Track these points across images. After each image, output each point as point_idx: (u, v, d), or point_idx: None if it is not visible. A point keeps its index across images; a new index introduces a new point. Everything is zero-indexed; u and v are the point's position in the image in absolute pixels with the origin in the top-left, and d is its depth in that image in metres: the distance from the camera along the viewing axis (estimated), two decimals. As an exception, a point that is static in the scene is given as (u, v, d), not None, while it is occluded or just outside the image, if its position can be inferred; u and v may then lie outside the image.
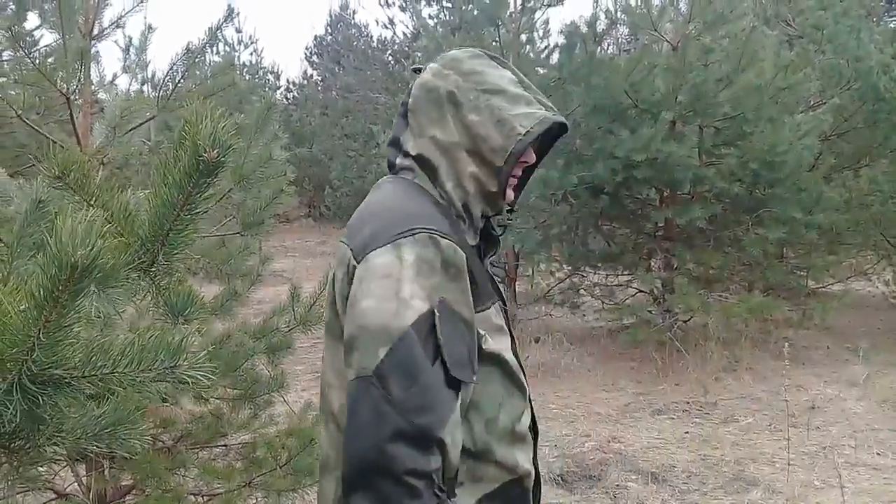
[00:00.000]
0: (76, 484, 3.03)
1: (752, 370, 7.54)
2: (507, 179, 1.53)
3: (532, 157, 1.57)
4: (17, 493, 2.25)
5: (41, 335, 1.05)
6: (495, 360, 1.44)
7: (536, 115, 1.50)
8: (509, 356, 1.47)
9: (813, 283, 9.46)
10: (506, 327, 1.51)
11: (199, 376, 1.15)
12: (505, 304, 1.55)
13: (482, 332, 1.41)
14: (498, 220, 1.66)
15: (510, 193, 1.56)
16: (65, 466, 2.93)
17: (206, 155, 1.30)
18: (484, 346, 1.41)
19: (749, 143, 7.75)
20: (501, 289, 1.59)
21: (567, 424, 6.26)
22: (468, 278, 1.39)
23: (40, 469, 1.80)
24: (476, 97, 1.51)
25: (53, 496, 2.83)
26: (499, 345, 1.45)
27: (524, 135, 1.47)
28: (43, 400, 1.11)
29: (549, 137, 1.65)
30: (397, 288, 1.32)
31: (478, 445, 1.41)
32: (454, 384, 1.32)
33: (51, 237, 1.00)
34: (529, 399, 1.54)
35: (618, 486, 4.92)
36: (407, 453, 1.24)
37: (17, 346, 1.06)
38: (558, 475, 5.05)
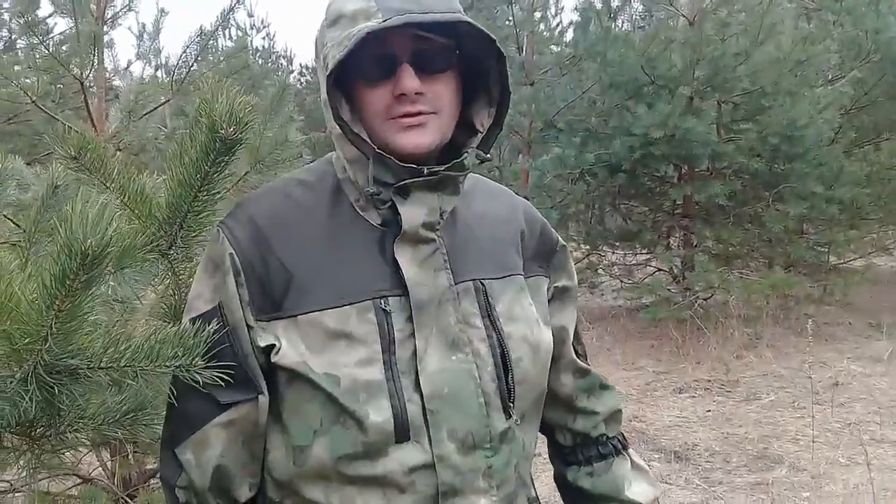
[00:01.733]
0: (100, 469, 3.05)
1: (774, 347, 7.48)
2: (367, 126, 1.14)
3: (407, 84, 1.10)
4: (43, 479, 2.25)
5: (54, 325, 1.03)
6: (300, 377, 1.11)
7: (350, 35, 1.08)
8: (346, 374, 1.09)
9: (834, 258, 9.36)
10: (373, 335, 1.11)
11: (215, 375, 1.10)
12: (410, 302, 1.14)
13: (279, 340, 1.12)
14: (476, 154, 1.19)
15: (403, 138, 1.12)
16: (89, 452, 2.94)
17: (223, 132, 1.28)
18: (274, 359, 1.12)
19: (768, 117, 7.64)
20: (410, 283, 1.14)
21: (587, 404, 6.23)
22: (243, 277, 1.13)
23: (65, 455, 1.79)
24: (322, 37, 1.16)
25: (79, 481, 2.84)
26: (318, 358, 1.10)
27: (330, 69, 1.09)
28: (59, 390, 1.10)
29: (475, 43, 1.15)
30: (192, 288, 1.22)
31: (284, 476, 1.17)
32: (211, 399, 1.14)
33: (62, 224, 0.97)
34: (430, 443, 1.11)
35: (640, 465, 4.90)
36: (162, 459, 1.22)
37: (31, 336, 1.04)
38: (580, 455, 5.03)
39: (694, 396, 6.41)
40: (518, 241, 1.30)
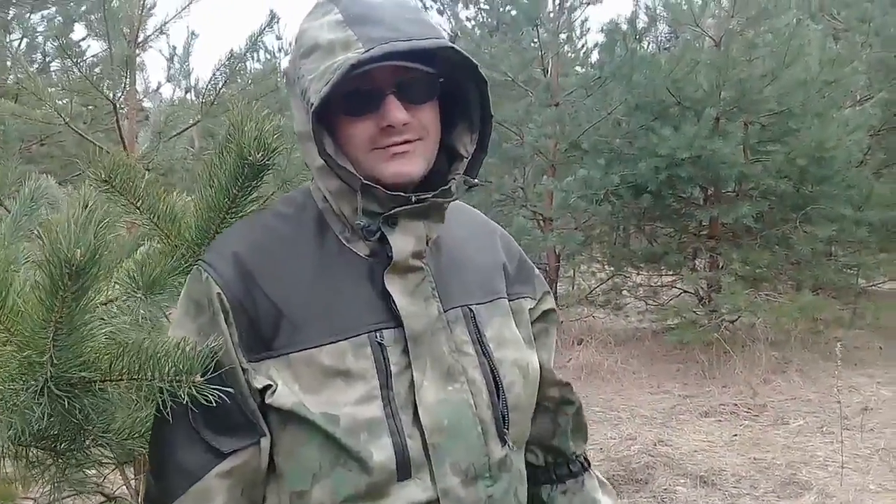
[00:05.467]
0: (125, 487, 3.07)
1: (802, 371, 7.37)
2: (350, 156, 1.10)
3: (395, 116, 1.07)
4: (67, 497, 2.27)
5: (54, 337, 1.02)
6: (296, 418, 1.06)
7: (332, 68, 1.04)
8: (346, 413, 1.05)
9: (864, 281, 9.24)
10: (370, 371, 1.07)
11: (208, 394, 1.05)
12: (405, 333, 1.10)
13: (274, 380, 1.07)
14: (464, 180, 1.17)
15: (391, 167, 1.09)
16: (114, 469, 2.96)
17: (251, 158, 1.29)
18: (268, 400, 1.07)
19: (796, 138, 7.60)
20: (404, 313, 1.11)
21: (612, 427, 6.18)
22: (232, 317, 1.08)
23: (89, 472, 1.81)
24: (296, 69, 1.12)
25: (103, 499, 2.86)
26: (314, 398, 1.06)
27: (315, 106, 1.05)
28: (69, 403, 1.08)
29: (454, 69, 1.13)
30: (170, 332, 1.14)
31: None
32: (209, 448, 1.08)
33: (45, 233, 0.97)
34: (432, 478, 1.08)
35: (665, 490, 4.83)
36: None
37: (32, 349, 1.04)
38: (604, 479, 4.97)
39: (720, 420, 6.32)
40: (500, 266, 1.29)
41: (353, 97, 1.08)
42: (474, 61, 1.11)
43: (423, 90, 1.11)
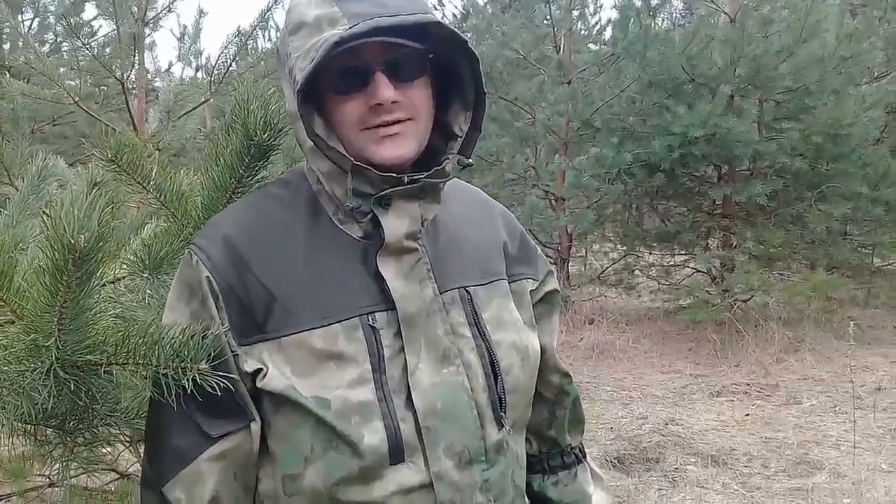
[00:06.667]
0: (138, 465, 3.09)
1: (815, 351, 7.34)
2: (341, 136, 1.09)
3: (383, 94, 1.05)
4: (80, 475, 2.29)
5: (59, 321, 1.02)
6: (288, 402, 1.06)
7: (317, 45, 1.02)
8: (337, 396, 1.05)
9: (879, 260, 9.17)
10: (362, 354, 1.06)
11: (214, 383, 1.04)
12: (398, 316, 1.09)
13: (265, 364, 1.06)
14: (458, 160, 1.15)
15: (382, 150, 1.07)
16: (127, 448, 2.99)
17: (257, 138, 1.28)
18: (259, 384, 1.06)
19: (811, 116, 7.52)
20: (388, 295, 1.09)
21: (623, 406, 6.18)
22: (222, 300, 1.07)
23: (102, 450, 1.82)
24: (284, 46, 1.10)
25: (116, 476, 2.89)
26: (306, 381, 1.05)
27: (300, 84, 1.03)
28: (76, 385, 1.08)
29: (447, 47, 1.11)
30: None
31: None
32: (200, 431, 1.08)
33: (48, 218, 0.95)
34: (426, 461, 1.08)
35: (676, 468, 4.83)
36: (145, 501, 1.13)
37: (37, 332, 1.04)
38: (615, 458, 4.98)
39: (732, 400, 6.31)
40: (500, 246, 1.26)
41: (341, 75, 1.06)
42: (463, 37, 1.08)
43: (412, 67, 1.09)
